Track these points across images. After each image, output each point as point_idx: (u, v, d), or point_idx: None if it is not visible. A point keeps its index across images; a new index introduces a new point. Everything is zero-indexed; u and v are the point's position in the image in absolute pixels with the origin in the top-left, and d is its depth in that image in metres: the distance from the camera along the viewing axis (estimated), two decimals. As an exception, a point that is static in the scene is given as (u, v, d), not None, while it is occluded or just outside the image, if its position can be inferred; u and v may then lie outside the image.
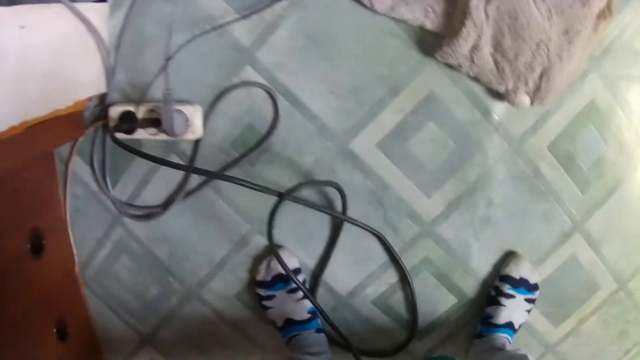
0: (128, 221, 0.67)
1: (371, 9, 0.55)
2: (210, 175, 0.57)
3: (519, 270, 0.65)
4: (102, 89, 0.62)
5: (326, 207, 0.62)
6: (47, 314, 0.67)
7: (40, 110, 0.53)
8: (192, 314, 0.71)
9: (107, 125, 0.63)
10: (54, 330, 0.68)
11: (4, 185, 0.57)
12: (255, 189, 0.53)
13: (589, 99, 0.62)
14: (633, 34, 0.61)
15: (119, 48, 0.61)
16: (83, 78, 0.60)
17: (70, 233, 0.70)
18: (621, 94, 0.63)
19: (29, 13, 0.48)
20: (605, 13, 0.60)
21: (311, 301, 0.56)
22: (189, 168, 0.58)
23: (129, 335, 0.74)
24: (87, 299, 0.74)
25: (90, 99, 0.63)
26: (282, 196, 0.53)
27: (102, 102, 0.63)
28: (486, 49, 0.58)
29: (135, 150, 0.54)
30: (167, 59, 0.56)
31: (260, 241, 0.65)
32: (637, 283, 0.73)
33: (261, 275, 0.65)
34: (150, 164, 0.63)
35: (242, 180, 0.52)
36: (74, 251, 0.71)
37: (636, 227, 0.69)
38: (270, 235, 0.53)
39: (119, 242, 0.69)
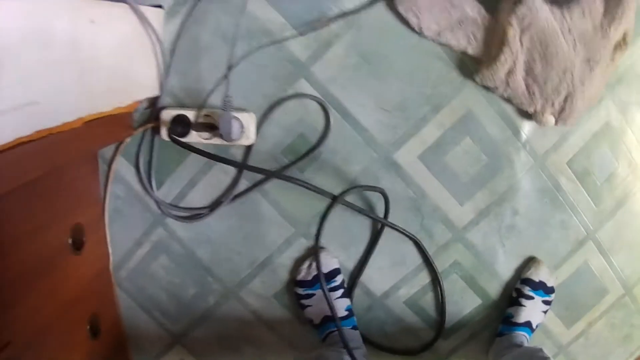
0: (170, 222, 0.77)
1: (420, 33, 0.68)
2: (269, 174, 0.69)
3: (539, 274, 0.80)
4: (155, 92, 0.72)
5: (370, 211, 0.75)
6: (82, 310, 0.76)
7: (103, 105, 0.62)
8: (229, 314, 0.81)
9: (158, 128, 0.73)
10: (87, 327, 0.77)
11: (52, 179, 0.66)
12: (311, 190, 0.65)
13: (604, 121, 0.77)
14: (642, 63, 0.77)
15: (173, 54, 0.71)
16: (140, 79, 0.70)
17: (107, 232, 0.80)
18: (632, 117, 0.78)
19: (98, 9, 0.57)
20: (621, 44, 0.76)
21: (329, 303, 0.67)
22: (251, 167, 0.68)
23: (159, 335, 0.84)
24: (118, 298, 0.83)
25: (140, 101, 0.73)
26: (335, 199, 0.65)
27: (153, 105, 0.73)
28: (520, 74, 0.73)
29: (199, 150, 0.65)
30: (229, 68, 0.66)
31: (303, 243, 0.77)
32: (642, 289, 0.90)
33: (302, 274, 0.77)
34: (199, 167, 0.74)
35: (300, 180, 0.64)
36: (109, 250, 0.81)
37: (641, 238, 0.85)
38: (318, 237, 0.65)
39: (158, 243, 0.78)
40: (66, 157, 0.64)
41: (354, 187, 0.69)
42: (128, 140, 0.75)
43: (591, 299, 0.87)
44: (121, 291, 0.82)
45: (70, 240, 0.71)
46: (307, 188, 0.64)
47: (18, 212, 0.59)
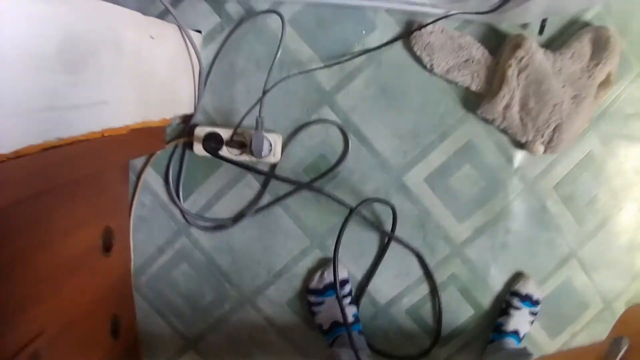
0: (194, 231, 0.91)
1: (431, 71, 0.86)
2: (298, 185, 0.85)
3: (526, 287, 0.97)
4: (190, 109, 0.87)
5: (379, 226, 0.91)
6: (105, 310, 0.89)
7: (153, 115, 0.75)
8: (243, 320, 0.96)
9: (190, 143, 0.87)
10: (109, 327, 0.90)
11: (90, 181, 0.79)
12: (333, 199, 0.81)
13: (588, 151, 0.96)
14: (624, 101, 0.96)
15: (209, 76, 0.86)
16: (182, 96, 0.84)
17: (131, 238, 0.93)
18: (612, 148, 0.97)
19: (156, 27, 0.72)
20: (605, 84, 0.95)
21: (341, 307, 0.82)
22: (281, 177, 0.83)
23: (173, 340, 0.98)
24: (136, 301, 0.96)
25: (174, 117, 0.87)
26: (352, 211, 0.80)
27: (185, 122, 0.87)
28: (515, 108, 0.91)
29: (234, 162, 0.80)
30: (264, 92, 0.81)
31: (317, 254, 0.92)
32: (620, 304, 1.08)
33: (314, 283, 0.92)
34: (226, 181, 0.89)
35: (324, 191, 0.79)
36: (132, 256, 0.94)
37: (619, 256, 1.04)
38: (337, 247, 0.80)
39: (181, 250, 0.92)
40: (111, 161, 0.77)
41: (369, 198, 0.86)
42: (159, 152, 0.89)
43: (574, 312, 1.05)
44: (139, 296, 0.95)
45: (100, 242, 0.84)
46: (331, 198, 0.80)
47: (60, 208, 0.70)
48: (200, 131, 0.85)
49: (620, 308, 1.09)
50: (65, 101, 0.53)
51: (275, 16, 0.82)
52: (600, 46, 0.92)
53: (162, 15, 0.81)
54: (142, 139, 0.81)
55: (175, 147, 0.88)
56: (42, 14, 0.46)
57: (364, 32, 0.85)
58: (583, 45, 0.92)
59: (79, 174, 0.65)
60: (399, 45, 0.85)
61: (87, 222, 0.79)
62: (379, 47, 0.85)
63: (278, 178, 0.85)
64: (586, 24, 0.92)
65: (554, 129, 0.92)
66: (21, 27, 0.43)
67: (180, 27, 0.77)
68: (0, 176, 0.46)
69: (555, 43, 0.91)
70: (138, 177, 0.89)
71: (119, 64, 0.62)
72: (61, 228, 0.71)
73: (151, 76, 0.72)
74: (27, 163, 0.50)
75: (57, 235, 0.70)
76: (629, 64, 0.96)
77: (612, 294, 1.06)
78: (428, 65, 0.86)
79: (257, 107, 0.81)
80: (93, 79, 0.57)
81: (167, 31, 0.76)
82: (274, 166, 0.88)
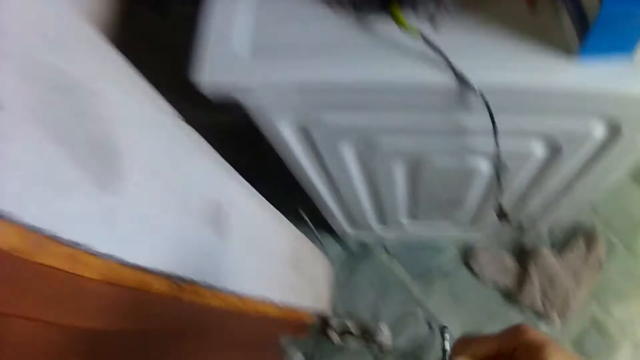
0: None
1: (482, 279, 1.53)
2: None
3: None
4: (327, 310, 1.51)
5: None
6: None
7: (313, 305, 1.39)
8: None
9: (327, 333, 1.50)
10: None
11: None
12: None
13: (591, 315, 1.62)
14: (613, 275, 1.64)
15: (338, 291, 1.51)
16: (322, 298, 1.48)
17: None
18: (607, 308, 1.63)
19: (311, 248, 1.36)
20: (597, 266, 1.63)
21: None
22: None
23: None
24: None
25: (315, 315, 1.52)
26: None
27: (323, 319, 1.52)
28: (538, 296, 1.57)
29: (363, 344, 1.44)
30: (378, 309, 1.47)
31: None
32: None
33: None
34: (352, 357, 1.52)
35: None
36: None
37: None
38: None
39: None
40: (278, 333, 1.41)
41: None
42: (303, 338, 1.52)
43: None
44: None
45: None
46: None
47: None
48: (337, 326, 1.50)
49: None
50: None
51: (379, 247, 1.50)
52: (590, 241, 1.60)
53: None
54: (292, 324, 1.44)
55: (317, 335, 1.52)
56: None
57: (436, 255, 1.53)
58: (578, 243, 1.61)
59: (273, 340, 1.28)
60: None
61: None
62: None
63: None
64: (580, 225, 1.61)
65: (563, 302, 1.59)
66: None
67: (321, 251, 1.44)
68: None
69: (560, 244, 1.60)
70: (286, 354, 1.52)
71: (298, 276, 1.27)
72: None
73: (303, 278, 1.36)
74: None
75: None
76: (614, 247, 1.65)
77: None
78: (479, 273, 1.54)
79: (379, 320, 1.46)
80: (289, 276, 1.21)
81: (315, 251, 1.41)
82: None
